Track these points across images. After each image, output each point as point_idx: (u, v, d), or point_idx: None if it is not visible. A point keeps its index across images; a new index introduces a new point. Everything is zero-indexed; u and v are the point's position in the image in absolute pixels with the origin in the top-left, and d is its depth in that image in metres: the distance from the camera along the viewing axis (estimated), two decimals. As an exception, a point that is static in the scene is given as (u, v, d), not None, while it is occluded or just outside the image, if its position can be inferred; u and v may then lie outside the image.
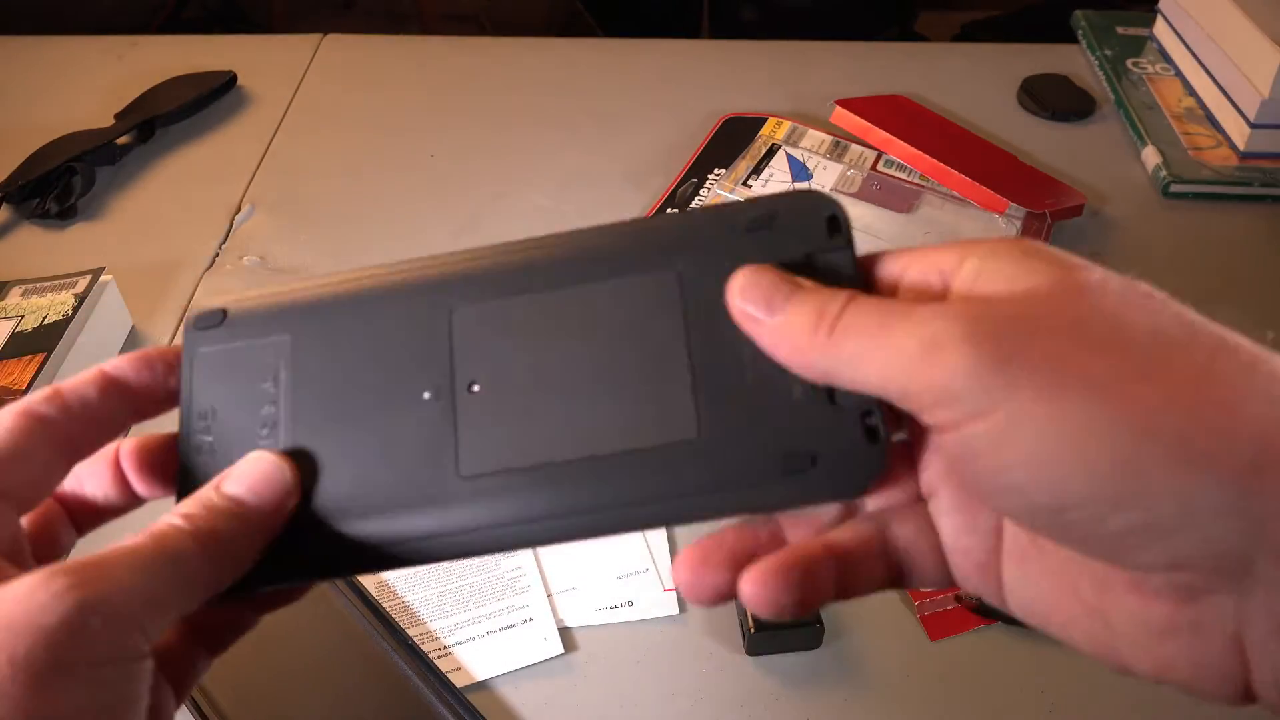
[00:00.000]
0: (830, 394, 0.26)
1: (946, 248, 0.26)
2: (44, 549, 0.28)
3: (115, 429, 0.28)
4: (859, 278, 0.27)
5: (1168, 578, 0.22)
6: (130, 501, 0.29)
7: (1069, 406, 0.21)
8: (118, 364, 0.28)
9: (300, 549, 0.27)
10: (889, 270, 0.27)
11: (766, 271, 0.27)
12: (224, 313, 0.29)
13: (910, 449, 0.27)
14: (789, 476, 0.26)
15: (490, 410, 0.27)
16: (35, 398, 0.27)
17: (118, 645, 0.23)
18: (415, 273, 0.29)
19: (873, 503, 0.28)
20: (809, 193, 0.29)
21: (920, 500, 0.27)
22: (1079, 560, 0.24)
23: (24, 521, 0.26)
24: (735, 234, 0.28)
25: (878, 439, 0.26)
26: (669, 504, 0.26)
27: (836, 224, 0.28)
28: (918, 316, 0.23)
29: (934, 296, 0.25)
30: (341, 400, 0.28)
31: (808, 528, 0.28)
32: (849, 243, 0.28)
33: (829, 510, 0.28)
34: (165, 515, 0.26)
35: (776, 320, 0.26)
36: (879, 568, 0.27)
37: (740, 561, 0.26)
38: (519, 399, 0.28)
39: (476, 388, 0.28)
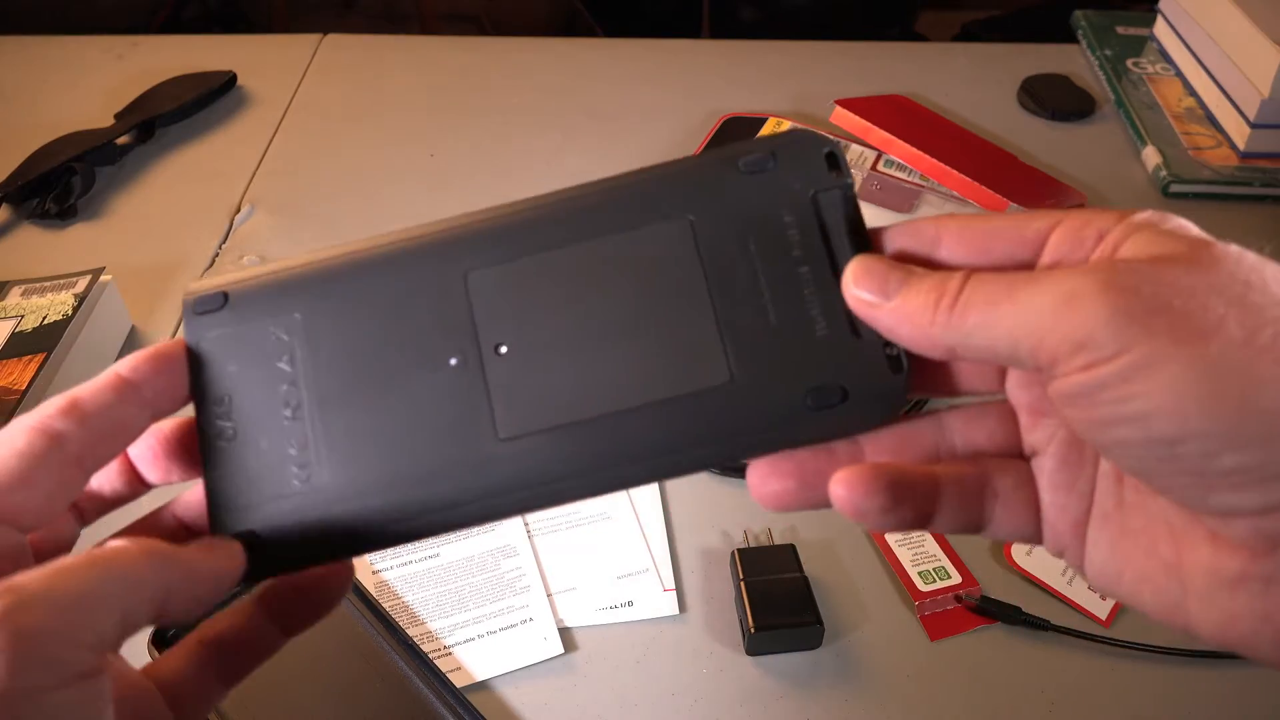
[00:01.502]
0: (854, 329, 0.27)
1: (1097, 211, 0.26)
2: (46, 543, 0.27)
3: (133, 434, 0.27)
4: (861, 221, 0.28)
5: (1254, 524, 0.23)
6: (137, 490, 0.29)
7: (1206, 351, 0.22)
8: (133, 366, 0.27)
9: (339, 525, 0.27)
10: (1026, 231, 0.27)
11: (877, 260, 0.27)
12: (225, 295, 0.29)
13: (1014, 412, 0.28)
14: (821, 411, 0.27)
15: (521, 371, 0.28)
16: (51, 412, 0.25)
17: (60, 666, 0.21)
18: (422, 238, 0.29)
19: (978, 448, 0.29)
20: (804, 132, 0.29)
21: (1022, 457, 0.28)
22: (1160, 517, 0.25)
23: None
24: (739, 176, 0.29)
25: (901, 368, 0.27)
26: (709, 447, 0.27)
27: (835, 160, 0.29)
28: (1050, 277, 0.24)
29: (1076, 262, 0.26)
30: (364, 374, 0.28)
31: (897, 452, 0.28)
32: (849, 178, 0.29)
33: (926, 444, 0.29)
34: (109, 542, 0.25)
35: (895, 303, 0.26)
36: (967, 508, 0.27)
37: (808, 476, 0.27)
38: (548, 357, 0.28)
39: (504, 349, 0.28)
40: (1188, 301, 0.23)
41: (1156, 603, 0.26)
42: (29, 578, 0.22)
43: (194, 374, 0.28)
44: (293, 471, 0.27)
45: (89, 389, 0.26)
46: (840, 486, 0.26)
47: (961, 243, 0.27)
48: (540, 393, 0.27)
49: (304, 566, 0.27)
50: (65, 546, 0.28)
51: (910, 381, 0.27)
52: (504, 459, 0.27)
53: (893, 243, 0.28)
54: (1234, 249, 0.24)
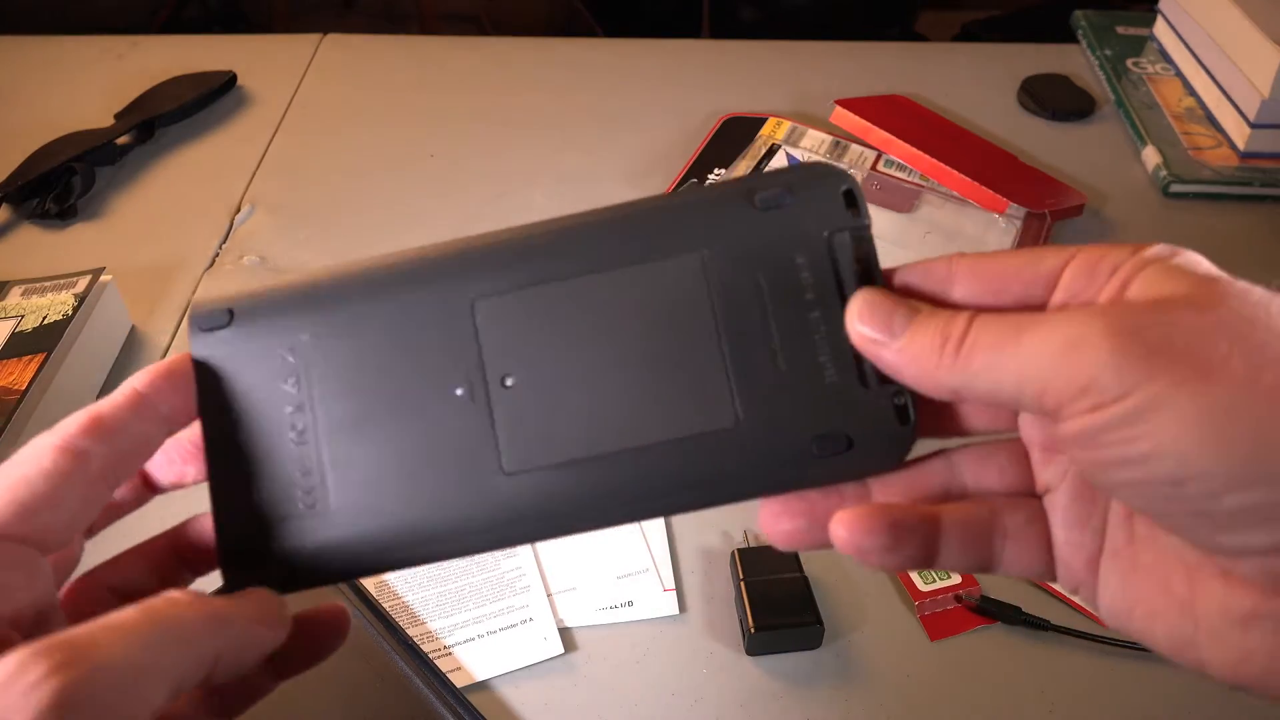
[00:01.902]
0: (861, 376, 0.27)
1: (1110, 246, 0.26)
2: (56, 559, 0.27)
3: (152, 449, 0.27)
4: (877, 263, 0.28)
5: (1264, 563, 0.23)
6: (144, 497, 0.29)
7: (1208, 391, 0.22)
8: (149, 381, 0.27)
9: (340, 549, 0.27)
10: (1050, 266, 0.27)
11: (882, 295, 0.27)
12: (230, 312, 0.29)
13: (1026, 449, 0.28)
14: (825, 458, 0.27)
15: (527, 405, 0.28)
16: (74, 430, 0.25)
17: None
18: (430, 262, 0.29)
19: (988, 487, 0.29)
20: (823, 167, 0.29)
21: (1034, 495, 0.28)
22: (1172, 553, 0.25)
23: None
24: (755, 212, 0.28)
25: (909, 420, 0.27)
26: (712, 488, 0.27)
27: (853, 199, 0.28)
28: (1054, 321, 0.24)
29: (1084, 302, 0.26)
30: (371, 400, 0.28)
31: (906, 492, 0.28)
32: (866, 219, 0.28)
33: (935, 483, 0.29)
34: (165, 592, 0.24)
35: (899, 344, 0.26)
36: (974, 547, 0.28)
37: (819, 516, 0.27)
38: (555, 392, 0.28)
39: (510, 382, 0.28)
40: (1191, 341, 0.23)
41: (1169, 639, 0.25)
42: (82, 636, 0.21)
43: (201, 390, 0.28)
44: (298, 495, 0.27)
45: (109, 405, 0.26)
46: (841, 528, 0.26)
47: (975, 282, 0.27)
48: (546, 428, 0.27)
49: (304, 588, 0.28)
50: (73, 562, 0.28)
51: (916, 432, 0.27)
52: (508, 493, 0.27)
53: (905, 284, 0.28)
54: (1240, 285, 0.24)
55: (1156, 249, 0.25)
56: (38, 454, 0.25)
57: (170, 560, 0.29)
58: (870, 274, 0.28)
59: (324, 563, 0.27)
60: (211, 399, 0.28)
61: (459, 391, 0.28)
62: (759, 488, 0.27)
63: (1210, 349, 0.22)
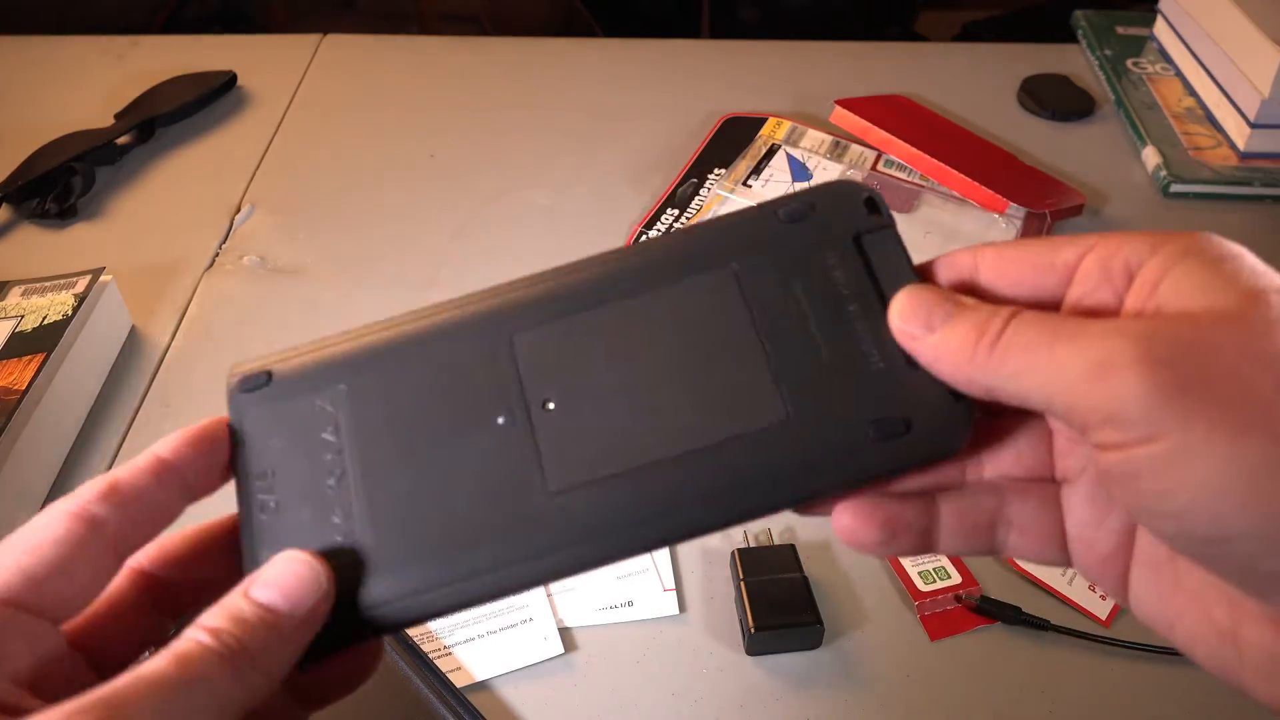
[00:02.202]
0: (910, 360, 0.27)
1: (1128, 237, 0.25)
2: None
3: (170, 517, 0.26)
4: (907, 256, 0.28)
5: None
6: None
7: (1247, 446, 0.21)
8: (174, 448, 0.26)
9: (388, 592, 0.26)
10: (1073, 253, 0.26)
11: (926, 290, 0.26)
12: (269, 374, 0.28)
13: (1049, 434, 0.28)
14: (885, 442, 0.26)
15: (570, 424, 0.27)
16: (90, 496, 0.25)
17: None
18: (465, 308, 0.29)
19: (1004, 471, 0.28)
20: (840, 181, 0.29)
21: (1051, 481, 0.28)
22: (1218, 584, 0.24)
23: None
24: (780, 225, 0.29)
25: (963, 396, 0.26)
26: (770, 488, 0.26)
27: (875, 204, 0.29)
28: (1088, 334, 0.23)
29: (1105, 304, 0.25)
30: (409, 438, 0.27)
31: (917, 479, 0.28)
32: (891, 221, 0.28)
33: (954, 468, 0.28)
34: (189, 630, 0.23)
35: (936, 337, 0.26)
36: (972, 537, 0.27)
37: (891, 517, 0.27)
38: (597, 409, 0.27)
39: (551, 405, 0.27)
40: (1230, 379, 0.21)
41: (1211, 663, 0.25)
42: (118, 695, 0.21)
43: (235, 451, 0.27)
44: (337, 541, 0.26)
45: (128, 472, 0.25)
46: (841, 516, 0.27)
47: (996, 272, 0.27)
48: (591, 443, 0.27)
49: (351, 643, 0.26)
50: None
51: (973, 409, 0.26)
52: (556, 512, 0.26)
53: (936, 276, 0.28)
54: None
55: (1185, 241, 0.24)
56: (51, 521, 0.24)
57: (144, 609, 0.28)
58: (903, 265, 0.28)
59: (374, 609, 0.25)
60: (247, 457, 0.27)
61: (499, 420, 0.27)
62: (821, 482, 0.26)
63: (1252, 391, 0.21)
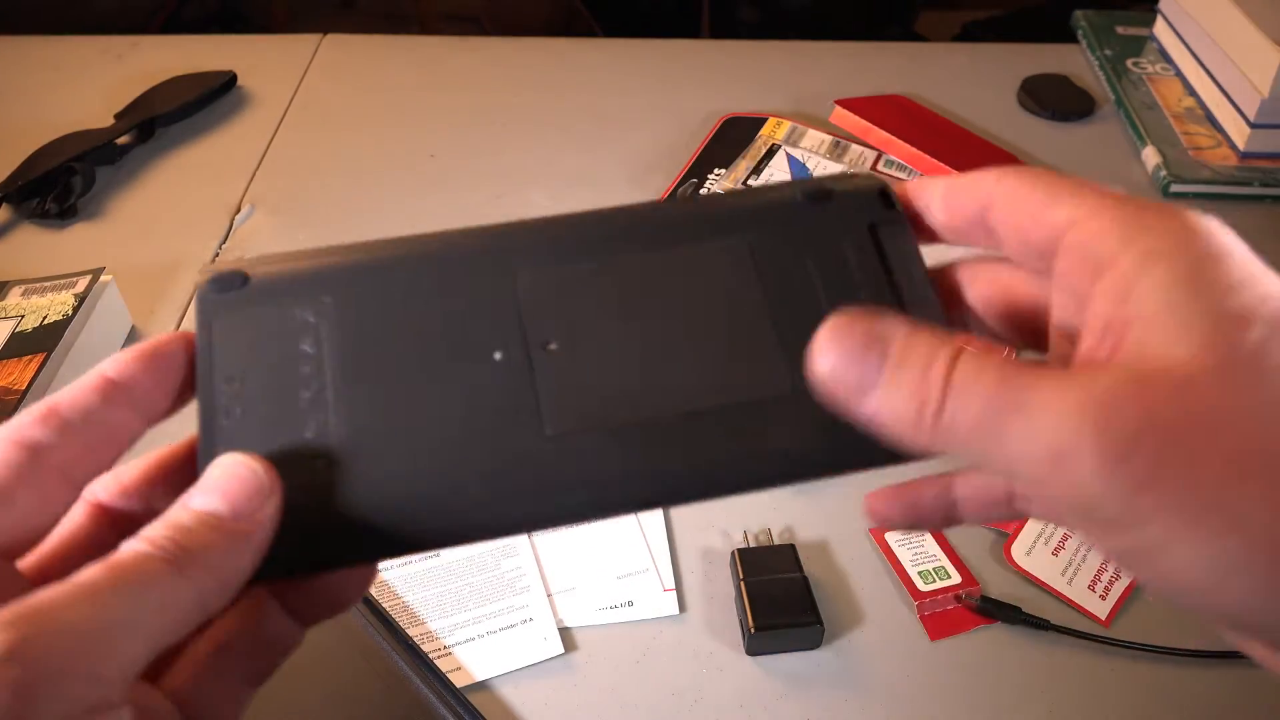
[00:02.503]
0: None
1: (1102, 220, 0.22)
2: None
3: (123, 440, 0.24)
4: (917, 250, 0.28)
5: None
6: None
7: (1224, 543, 0.19)
8: (121, 365, 0.24)
9: (364, 522, 0.24)
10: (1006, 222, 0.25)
11: (848, 335, 0.23)
12: (245, 276, 0.26)
13: None
14: None
15: (571, 369, 0.26)
16: (26, 420, 0.23)
17: (75, 702, 0.19)
18: (469, 236, 0.28)
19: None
20: (857, 172, 0.30)
21: None
22: None
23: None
24: (799, 204, 0.29)
25: None
26: (770, 461, 0.25)
27: (889, 198, 0.29)
28: (1040, 405, 0.20)
29: (1080, 292, 0.23)
30: (397, 361, 0.25)
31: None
32: (904, 216, 0.29)
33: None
34: (126, 541, 0.22)
35: (871, 406, 0.23)
36: (996, 507, 0.28)
37: (917, 496, 0.29)
38: (601, 358, 0.26)
39: (553, 346, 0.26)
40: (1206, 461, 0.19)
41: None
42: (43, 602, 0.20)
43: (200, 355, 0.25)
44: (306, 457, 0.24)
45: (70, 393, 0.24)
46: (870, 499, 0.29)
47: (1007, 211, 0.25)
48: (592, 391, 0.25)
49: (320, 570, 0.24)
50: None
51: None
52: (551, 455, 0.25)
53: (946, 207, 0.27)
54: (1273, 339, 0.20)
55: (1160, 238, 0.21)
56: None
57: (107, 547, 0.25)
58: (912, 261, 0.28)
59: (344, 536, 0.24)
60: (212, 362, 0.25)
61: (497, 355, 0.26)
62: (822, 459, 0.25)
63: (1228, 477, 0.19)
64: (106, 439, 0.24)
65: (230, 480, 0.23)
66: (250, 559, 0.23)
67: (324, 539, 0.24)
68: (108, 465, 0.24)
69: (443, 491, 0.24)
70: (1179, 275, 0.21)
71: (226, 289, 0.26)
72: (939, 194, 0.27)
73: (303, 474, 0.24)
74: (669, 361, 0.26)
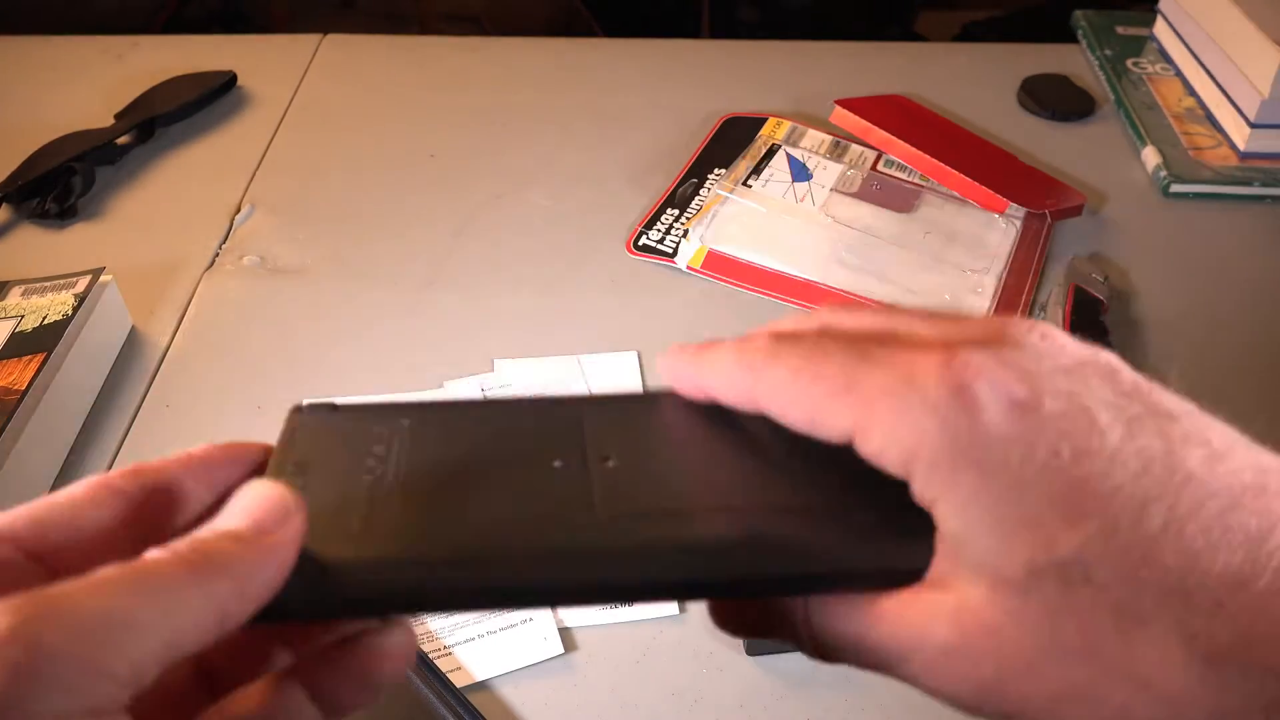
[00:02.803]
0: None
1: (889, 433, 0.24)
2: None
3: (194, 508, 0.26)
4: None
5: None
6: None
7: None
8: (205, 449, 0.27)
9: (399, 568, 0.25)
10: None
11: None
12: (334, 405, 0.29)
13: None
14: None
15: (626, 475, 0.27)
16: (114, 472, 0.25)
17: (77, 695, 0.19)
18: (536, 402, 0.30)
19: None
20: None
21: None
22: None
23: None
24: None
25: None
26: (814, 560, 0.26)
27: None
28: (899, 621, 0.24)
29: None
30: (459, 465, 0.27)
31: None
32: None
33: None
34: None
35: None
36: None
37: None
38: (655, 473, 0.28)
39: (611, 463, 0.27)
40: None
41: None
42: (55, 591, 0.20)
43: (278, 449, 0.28)
44: (354, 520, 0.25)
45: (156, 460, 0.26)
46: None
47: (780, 417, 0.26)
48: (644, 489, 0.27)
49: (360, 615, 0.26)
50: None
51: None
52: (599, 527, 0.26)
53: (723, 397, 0.28)
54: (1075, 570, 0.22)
55: (952, 456, 0.23)
56: (73, 484, 0.24)
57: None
58: None
59: (380, 584, 0.25)
60: (285, 452, 0.27)
61: (556, 464, 0.27)
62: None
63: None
64: (177, 502, 0.26)
65: (253, 499, 0.24)
66: (271, 573, 0.23)
67: (347, 582, 0.24)
68: (174, 528, 0.26)
69: (480, 542, 0.25)
70: (980, 503, 0.23)
71: (317, 411, 0.29)
72: (714, 385, 0.27)
73: (345, 528, 0.25)
74: (720, 486, 0.27)
